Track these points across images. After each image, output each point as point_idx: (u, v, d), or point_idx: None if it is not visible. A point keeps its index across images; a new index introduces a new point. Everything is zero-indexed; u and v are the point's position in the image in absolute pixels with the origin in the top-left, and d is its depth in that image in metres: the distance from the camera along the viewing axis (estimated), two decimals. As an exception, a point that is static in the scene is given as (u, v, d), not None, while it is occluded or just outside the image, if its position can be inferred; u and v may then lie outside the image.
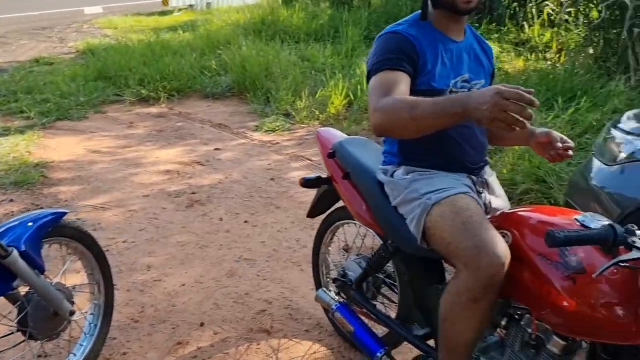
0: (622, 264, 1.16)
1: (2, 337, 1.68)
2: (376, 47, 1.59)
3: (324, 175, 2.12)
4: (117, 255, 2.89)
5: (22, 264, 1.59)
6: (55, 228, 1.76)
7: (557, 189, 3.28)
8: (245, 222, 3.34)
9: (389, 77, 1.47)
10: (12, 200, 3.49)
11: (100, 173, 4.06)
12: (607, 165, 2.18)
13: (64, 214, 1.79)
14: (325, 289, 2.09)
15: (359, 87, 5.70)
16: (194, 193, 3.74)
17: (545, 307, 1.35)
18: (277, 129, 5.27)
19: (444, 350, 1.47)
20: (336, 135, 2.18)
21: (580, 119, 4.40)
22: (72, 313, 1.77)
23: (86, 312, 2.01)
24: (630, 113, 2.43)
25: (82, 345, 1.98)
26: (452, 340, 1.43)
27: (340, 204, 2.16)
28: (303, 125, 5.37)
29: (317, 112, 5.50)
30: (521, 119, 1.15)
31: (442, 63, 1.57)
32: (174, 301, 2.51)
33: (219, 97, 6.34)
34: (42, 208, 3.38)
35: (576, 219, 1.39)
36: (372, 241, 2.20)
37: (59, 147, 4.58)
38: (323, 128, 2.25)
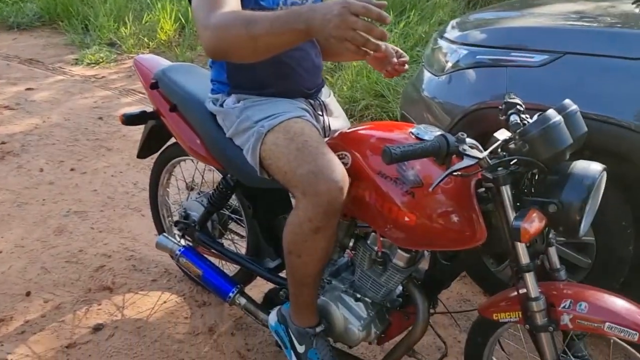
0: (455, 173, 1.16)
1: None
2: None
3: (149, 109, 1.88)
4: None
5: None
6: None
7: (394, 103, 3.37)
8: (72, 169, 2.95)
9: None
10: None
11: None
12: (435, 75, 2.22)
13: None
14: (166, 235, 1.91)
15: (190, 9, 5.25)
16: (3, 143, 3.21)
17: (388, 224, 1.33)
18: (100, 60, 4.70)
19: (292, 284, 1.41)
20: (158, 62, 1.92)
21: (410, 31, 4.53)
22: None
23: None
24: (453, 22, 2.48)
25: None
26: (299, 272, 1.37)
27: (173, 139, 1.95)
28: (131, 55, 4.86)
29: (146, 39, 5.00)
30: (373, 39, 1.02)
31: None
32: (-10, 272, 2.16)
33: (25, 28, 5.48)
34: None
35: (410, 132, 1.36)
36: (214, 176, 2.05)
37: None
38: (141, 55, 1.97)
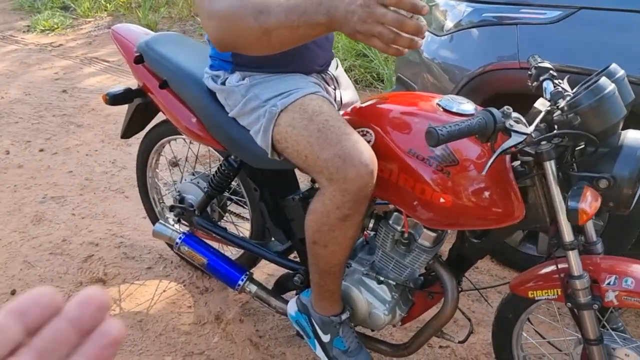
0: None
1: None
2: None
3: (134, 87, 1.71)
4: None
5: None
6: None
7: (380, 62, 3.24)
8: (41, 150, 2.74)
9: None
10: None
11: None
12: (435, 35, 2.10)
13: None
14: (162, 222, 1.78)
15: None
16: (-40, 124, 2.94)
17: (417, 205, 1.24)
18: (55, 26, 4.36)
19: (316, 273, 1.32)
20: (138, 32, 1.74)
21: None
22: None
23: None
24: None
25: None
26: (325, 262, 1.27)
27: (160, 117, 1.79)
28: (88, 19, 4.53)
29: (103, 1, 4.65)
30: (405, 34, 0.87)
31: None
32: (-33, 271, 1.98)
33: (-34, -7, 5.01)
34: None
35: (438, 104, 1.26)
36: (198, 151, 1.90)
37: None
38: (118, 25, 1.77)
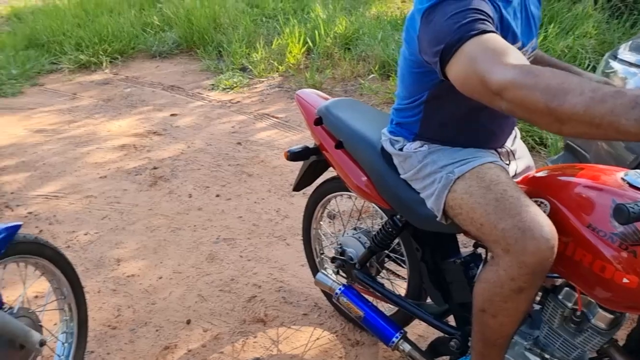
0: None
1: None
2: (446, 8, 1.10)
3: (311, 145, 1.87)
4: (80, 251, 2.58)
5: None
6: (10, 246, 1.45)
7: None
8: (217, 195, 3.06)
9: (494, 40, 1.02)
10: (-52, 199, 3.10)
11: (47, 155, 3.66)
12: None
13: (17, 227, 1.48)
14: (324, 271, 1.88)
15: (316, 31, 5.35)
16: (155, 168, 3.41)
17: (594, 282, 1.17)
18: (235, 85, 4.90)
19: (480, 342, 1.30)
20: (317, 97, 1.91)
21: (550, 46, 4.23)
22: (43, 343, 1.51)
23: (57, 332, 1.74)
24: (626, 44, 2.25)
25: (57, 370, 1.73)
26: (491, 332, 1.25)
27: (328, 174, 1.93)
28: (262, 79, 5.02)
29: (275, 63, 5.14)
30: None
31: (507, 26, 1.23)
32: (153, 298, 2.26)
33: (166, 56, 5.86)
34: (-15, 206, 3.01)
35: (622, 179, 1.20)
36: (354, 206, 1.99)
37: (-5, 130, 4.12)
38: (302, 90, 1.97)
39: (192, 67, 5.58)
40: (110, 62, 5.63)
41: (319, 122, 1.78)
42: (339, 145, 1.70)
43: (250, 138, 3.82)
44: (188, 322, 2.11)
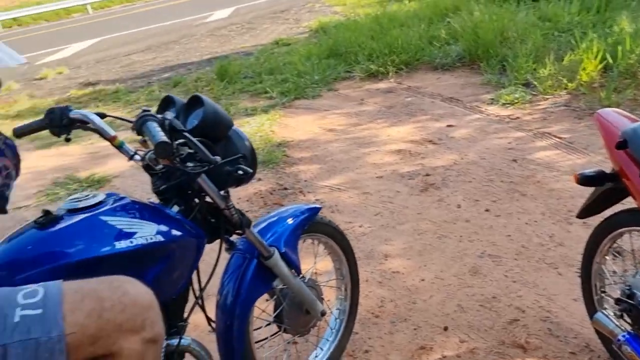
0: None
1: (259, 328, 1.70)
2: None
3: (607, 170, 1.70)
4: (354, 240, 2.85)
5: (282, 265, 1.57)
6: (311, 224, 1.72)
7: None
8: (486, 210, 3.02)
9: None
10: (259, 179, 3.74)
11: (335, 152, 4.13)
12: None
13: (319, 209, 1.75)
14: (604, 312, 1.70)
15: (619, 47, 4.78)
16: (427, 175, 3.54)
17: None
18: (515, 101, 4.73)
19: None
20: (623, 118, 1.73)
21: None
22: (323, 313, 1.73)
23: (333, 308, 1.97)
24: None
25: (327, 340, 1.95)
26: None
27: (624, 204, 1.72)
28: (547, 96, 4.73)
29: (565, 80, 4.78)
30: None
31: None
32: (414, 297, 2.36)
33: (448, 68, 5.99)
34: (285, 189, 3.57)
35: None
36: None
37: (297, 126, 4.81)
38: (604, 109, 1.81)
39: (472, 80, 5.58)
40: (396, 72, 6.02)
41: (622, 145, 1.60)
42: (646, 174, 1.51)
43: (527, 156, 3.64)
44: (445, 328, 2.14)
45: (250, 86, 6.21)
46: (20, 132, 1.53)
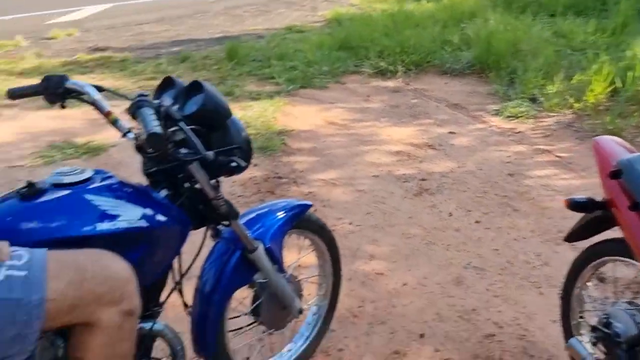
0: None
1: (237, 317, 1.71)
2: None
3: (598, 198, 1.70)
4: (342, 237, 2.84)
5: (265, 260, 1.58)
6: (299, 220, 1.72)
7: None
8: (477, 222, 3.02)
9: None
10: (255, 165, 3.73)
11: (334, 146, 4.13)
12: None
13: (309, 206, 1.75)
14: (579, 338, 1.71)
15: (629, 72, 4.76)
16: (423, 179, 3.54)
17: None
18: (520, 115, 4.72)
19: None
20: (620, 147, 1.73)
21: None
22: (301, 311, 1.74)
23: (311, 303, 1.98)
24: None
25: (303, 335, 1.96)
26: None
27: (611, 234, 1.73)
28: (551, 114, 4.72)
29: (571, 100, 4.77)
30: None
31: None
32: (394, 301, 2.37)
33: (456, 74, 5.96)
34: (280, 177, 3.56)
35: None
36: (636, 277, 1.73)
37: (300, 116, 4.80)
38: (602, 136, 1.81)
39: (479, 89, 5.56)
40: (405, 72, 5.99)
41: (616, 175, 1.60)
42: (636, 207, 1.50)
43: (524, 172, 3.64)
44: (422, 335, 2.16)
45: (258, 70, 6.17)
46: (14, 94, 1.52)
